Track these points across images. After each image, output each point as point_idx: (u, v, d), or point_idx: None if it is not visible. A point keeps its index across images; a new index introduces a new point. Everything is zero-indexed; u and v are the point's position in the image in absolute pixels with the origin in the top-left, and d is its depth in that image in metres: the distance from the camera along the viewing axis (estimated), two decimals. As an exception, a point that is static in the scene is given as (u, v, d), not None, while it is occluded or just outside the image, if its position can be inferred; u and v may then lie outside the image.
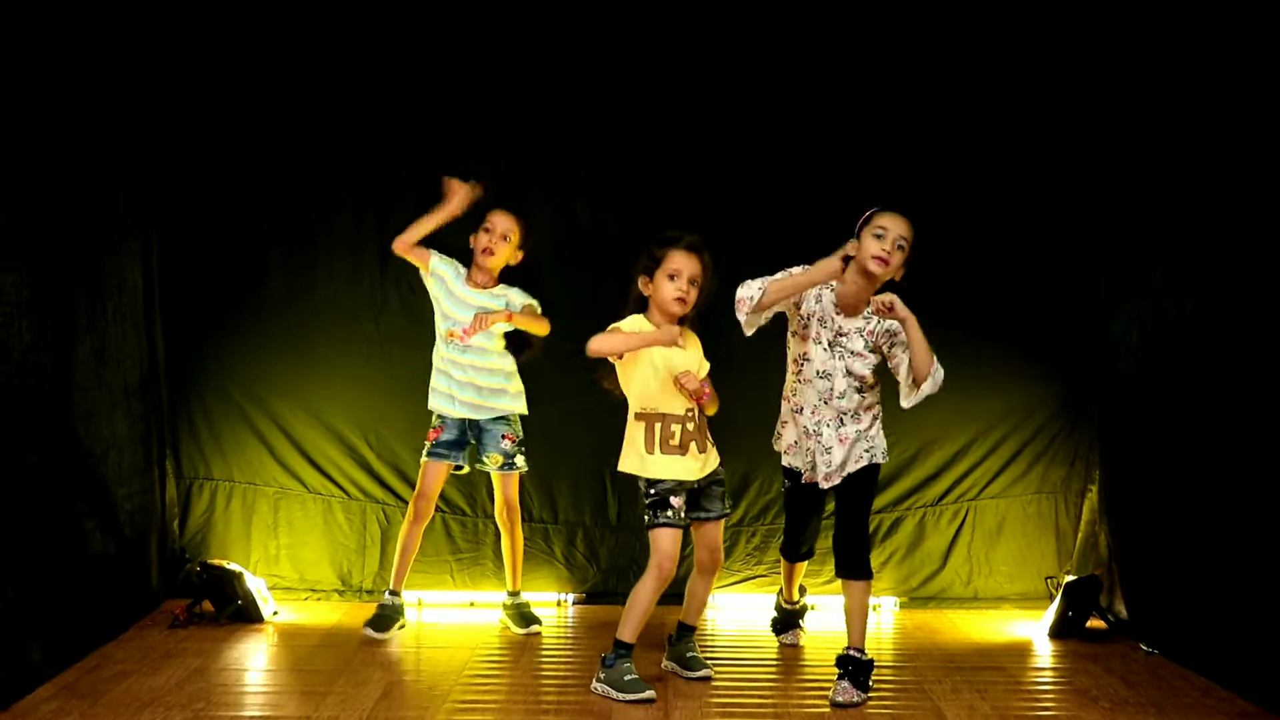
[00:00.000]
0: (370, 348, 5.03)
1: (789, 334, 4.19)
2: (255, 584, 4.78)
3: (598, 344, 3.94)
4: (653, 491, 3.94)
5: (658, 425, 3.95)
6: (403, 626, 4.63)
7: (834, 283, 4.02)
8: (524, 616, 4.73)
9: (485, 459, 4.61)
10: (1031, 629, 4.78)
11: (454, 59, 4.97)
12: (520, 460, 4.64)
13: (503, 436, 4.61)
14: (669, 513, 3.93)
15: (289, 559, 5.10)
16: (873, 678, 3.99)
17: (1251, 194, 3.99)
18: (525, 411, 4.68)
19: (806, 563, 4.53)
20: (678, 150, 5.02)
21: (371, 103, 4.98)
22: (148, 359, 4.87)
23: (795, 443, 4.19)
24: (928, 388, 3.95)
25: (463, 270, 4.63)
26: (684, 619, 4.22)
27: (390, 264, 4.94)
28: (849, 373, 4.04)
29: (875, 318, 4.01)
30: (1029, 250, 5.04)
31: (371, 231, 5.01)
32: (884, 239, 3.93)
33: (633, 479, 4.06)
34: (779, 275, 3.94)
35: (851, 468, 4.08)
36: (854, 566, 4.02)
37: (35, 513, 3.94)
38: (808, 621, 4.70)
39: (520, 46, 4.98)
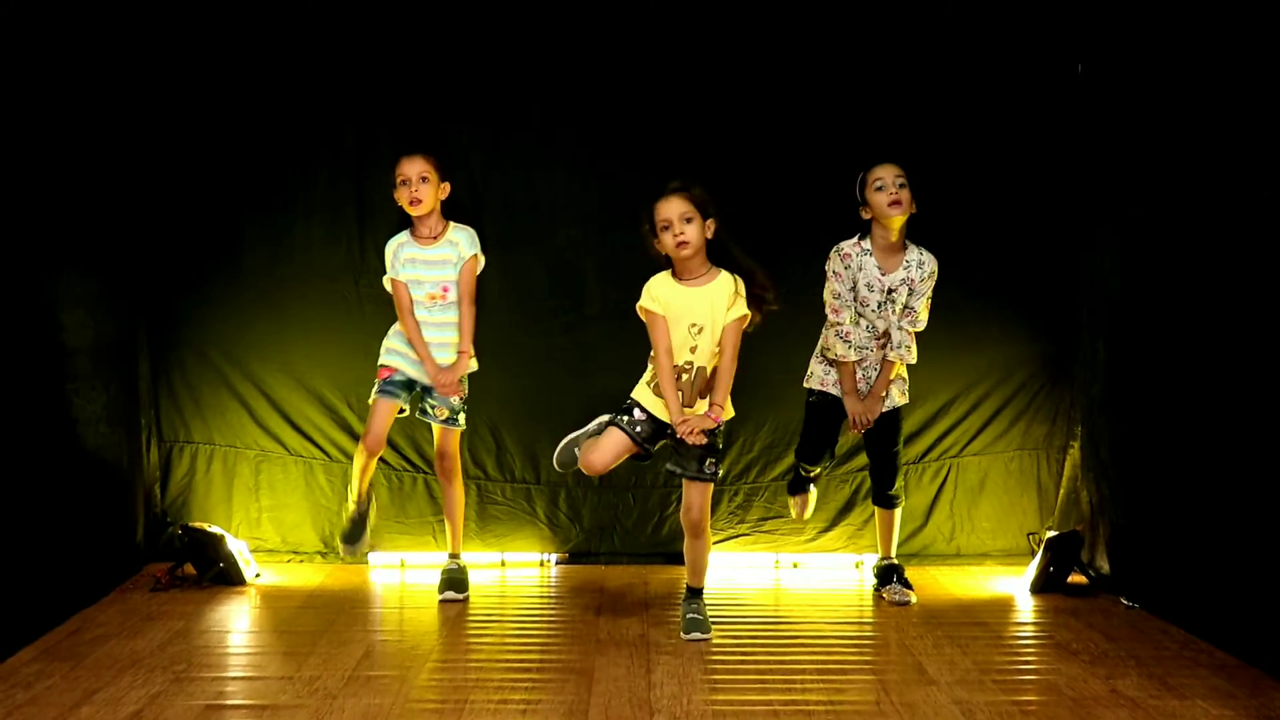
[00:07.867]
0: (349, 309, 4.99)
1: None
2: (237, 546, 4.77)
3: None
4: (626, 402, 4.13)
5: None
6: (374, 526, 4.62)
7: (867, 244, 4.43)
8: (449, 582, 4.56)
9: (431, 410, 4.51)
10: (1013, 584, 4.80)
11: (433, 14, 4.91)
12: (462, 419, 4.54)
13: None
14: (625, 418, 4.09)
15: (271, 521, 5.09)
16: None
17: (1238, 152, 3.98)
18: (476, 367, 4.59)
19: (825, 468, 4.81)
20: (660, 110, 4.97)
21: (348, 60, 4.92)
22: (127, 322, 4.83)
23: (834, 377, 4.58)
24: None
25: (405, 235, 4.52)
26: (687, 582, 4.24)
27: (368, 225, 4.92)
28: (900, 327, 4.46)
29: (914, 266, 4.44)
30: (1009, 208, 5.02)
31: (349, 192, 4.97)
32: (885, 188, 4.35)
33: None
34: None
35: (880, 408, 4.53)
36: (884, 499, 4.65)
37: (17, 476, 3.92)
38: (801, 573, 4.78)
39: (499, 2, 4.92)
